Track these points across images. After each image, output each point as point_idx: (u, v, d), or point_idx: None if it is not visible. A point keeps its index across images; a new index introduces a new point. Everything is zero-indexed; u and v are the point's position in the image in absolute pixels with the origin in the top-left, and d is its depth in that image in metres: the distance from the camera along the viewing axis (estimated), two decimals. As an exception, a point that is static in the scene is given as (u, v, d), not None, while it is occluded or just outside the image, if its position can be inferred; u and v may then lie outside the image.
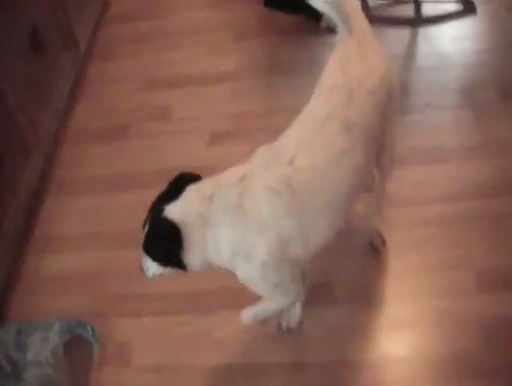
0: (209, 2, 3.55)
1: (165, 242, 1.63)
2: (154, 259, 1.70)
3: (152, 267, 1.73)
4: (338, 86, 1.66)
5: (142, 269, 1.77)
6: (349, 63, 1.70)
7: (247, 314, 1.99)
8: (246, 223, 1.58)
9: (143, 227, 1.70)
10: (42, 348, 2.06)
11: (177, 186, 1.67)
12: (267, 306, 1.94)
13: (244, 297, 1.94)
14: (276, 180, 1.58)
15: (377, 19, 3.13)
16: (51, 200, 2.75)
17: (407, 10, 3.19)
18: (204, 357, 2.14)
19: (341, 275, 2.25)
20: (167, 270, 1.73)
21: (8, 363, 2.14)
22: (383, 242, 2.23)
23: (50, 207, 2.73)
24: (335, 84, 1.67)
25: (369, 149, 1.69)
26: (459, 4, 3.15)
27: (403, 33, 3.12)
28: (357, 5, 1.85)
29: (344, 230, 1.88)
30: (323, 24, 3.20)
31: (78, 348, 2.15)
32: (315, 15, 3.19)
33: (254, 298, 1.92)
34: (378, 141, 1.77)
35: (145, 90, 3.13)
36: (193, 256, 1.64)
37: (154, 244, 1.66)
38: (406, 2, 3.19)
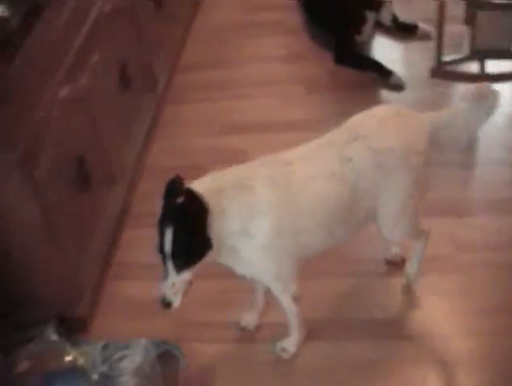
0: (281, 58, 3.71)
1: (202, 213, 1.68)
2: (188, 241, 1.69)
3: (179, 277, 1.74)
4: (349, 128, 1.92)
5: (164, 298, 1.77)
6: (372, 120, 1.92)
7: (288, 346, 2.18)
8: (252, 203, 1.78)
9: (161, 226, 1.71)
10: (133, 360, 2.07)
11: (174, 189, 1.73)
12: (292, 319, 2.11)
13: (322, 327, 2.14)
14: (276, 173, 1.82)
15: (446, 74, 3.24)
16: (130, 230, 2.81)
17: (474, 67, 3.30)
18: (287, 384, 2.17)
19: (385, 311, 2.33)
20: (192, 272, 1.75)
21: (96, 374, 2.15)
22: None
23: (128, 237, 2.78)
24: (347, 127, 1.93)
25: (358, 198, 1.89)
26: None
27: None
28: None
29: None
30: (392, 81, 3.32)
31: (165, 365, 2.15)
32: (385, 72, 3.33)
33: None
34: (368, 205, 1.93)
35: (218, 134, 3.24)
36: (213, 231, 1.71)
37: (189, 220, 1.68)
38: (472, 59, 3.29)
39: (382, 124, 1.91)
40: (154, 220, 2.78)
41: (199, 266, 1.76)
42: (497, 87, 3.11)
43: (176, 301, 1.77)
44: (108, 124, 2.67)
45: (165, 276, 1.73)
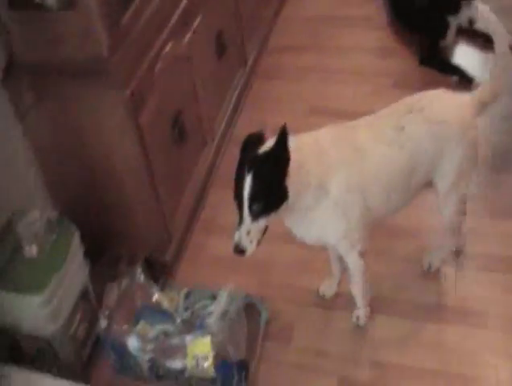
0: (372, 51, 3.76)
1: (283, 162, 1.73)
2: (266, 188, 1.72)
3: (254, 225, 1.76)
4: (406, 103, 2.04)
5: (238, 245, 1.77)
6: (427, 98, 2.04)
7: (359, 315, 2.29)
8: (325, 161, 1.88)
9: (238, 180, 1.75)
10: (219, 305, 2.16)
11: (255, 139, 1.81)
12: (357, 282, 2.20)
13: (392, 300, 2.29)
14: (343, 135, 1.96)
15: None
16: (216, 191, 2.93)
17: None
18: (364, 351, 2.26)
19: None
20: (268, 220, 1.78)
21: (179, 318, 2.26)
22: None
23: (214, 197, 2.92)
24: (405, 102, 2.05)
25: (415, 165, 2.00)
26: None
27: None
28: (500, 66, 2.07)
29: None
30: (475, 86, 3.32)
31: (248, 316, 2.25)
32: (467, 77, 3.35)
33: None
34: (425, 172, 2.04)
35: (307, 115, 3.30)
36: (291, 181, 1.76)
37: (270, 166, 1.73)
38: None
39: (437, 99, 2.04)
40: None
41: (273, 217, 1.79)
42: None
43: (250, 249, 1.77)
44: (204, 87, 2.78)
45: (240, 223, 1.75)
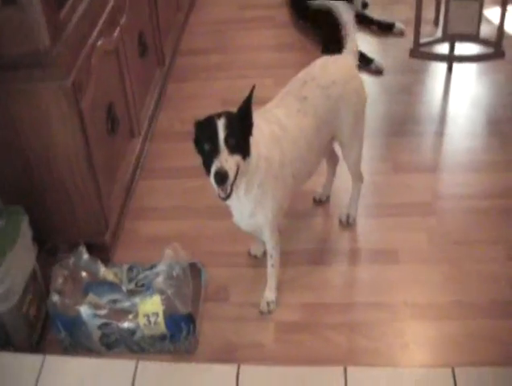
0: (273, 47, 4.09)
1: (249, 122, 2.03)
2: (237, 129, 1.96)
3: (230, 160, 1.94)
4: (297, 79, 2.39)
5: (221, 167, 1.92)
6: (315, 67, 2.41)
7: (267, 297, 2.46)
8: (267, 140, 2.17)
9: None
10: (164, 267, 2.32)
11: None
12: (272, 265, 2.43)
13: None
14: (266, 117, 2.26)
15: (421, 54, 3.64)
16: (143, 181, 3.11)
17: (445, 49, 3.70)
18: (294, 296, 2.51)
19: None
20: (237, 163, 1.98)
21: (124, 288, 2.40)
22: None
23: (142, 186, 3.09)
24: (296, 78, 2.40)
25: (321, 125, 2.34)
26: (489, 47, 3.62)
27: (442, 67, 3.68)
28: (352, 28, 2.54)
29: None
30: (373, 66, 3.69)
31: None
32: (366, 59, 3.69)
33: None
34: (329, 128, 2.40)
35: (220, 107, 3.48)
36: (252, 144, 2.04)
37: (240, 118, 2.00)
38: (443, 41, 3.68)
39: (322, 66, 2.41)
40: (163, 174, 3.13)
41: (241, 167, 2.00)
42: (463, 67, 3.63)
43: (231, 173, 1.93)
44: (130, 83, 2.95)
45: (216, 155, 1.93)
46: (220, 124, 1.95)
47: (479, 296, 2.42)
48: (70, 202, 2.50)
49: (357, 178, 2.70)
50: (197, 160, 2.07)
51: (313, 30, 4.08)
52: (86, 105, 2.35)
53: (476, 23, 3.35)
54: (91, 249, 2.53)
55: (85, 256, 2.43)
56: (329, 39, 3.87)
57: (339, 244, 2.73)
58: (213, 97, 3.63)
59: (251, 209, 2.22)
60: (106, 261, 2.60)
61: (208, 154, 1.97)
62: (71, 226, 2.58)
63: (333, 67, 2.42)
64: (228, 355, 2.31)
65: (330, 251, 2.69)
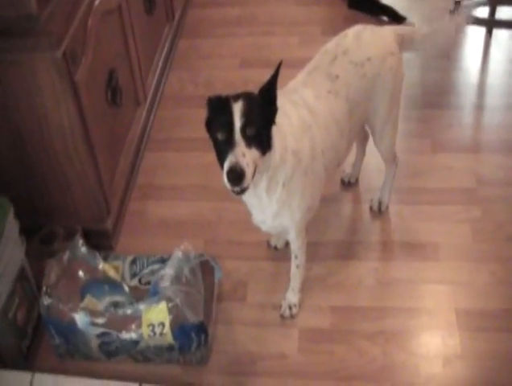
0: (298, 1, 3.59)
1: (274, 107, 1.61)
2: (258, 115, 1.55)
3: (248, 155, 1.52)
4: (327, 51, 1.96)
5: (236, 164, 1.51)
6: (347, 38, 1.97)
7: (290, 300, 2.09)
8: (295, 128, 1.76)
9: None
10: (171, 269, 1.94)
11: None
12: (298, 266, 2.05)
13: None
14: (293, 99, 1.84)
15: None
16: (151, 154, 2.69)
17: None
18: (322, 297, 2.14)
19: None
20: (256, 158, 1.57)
21: (126, 287, 2.05)
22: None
23: (149, 160, 2.68)
24: (325, 50, 1.97)
25: (354, 107, 1.93)
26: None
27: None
28: None
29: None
30: (406, 25, 3.22)
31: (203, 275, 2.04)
32: (397, 17, 3.23)
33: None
34: (362, 112, 2.00)
35: (239, 67, 3.12)
36: (275, 134, 1.64)
37: (261, 102, 1.59)
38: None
39: (356, 38, 1.97)
40: (172, 145, 2.72)
41: (260, 162, 1.59)
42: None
43: (249, 172, 1.51)
44: (135, 45, 2.52)
45: (231, 148, 1.52)
46: (237, 109, 1.52)
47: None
48: (67, 184, 2.14)
49: (391, 160, 2.29)
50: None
51: None
52: (81, 77, 1.95)
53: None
54: (91, 236, 2.20)
55: (83, 248, 2.07)
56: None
57: (370, 235, 2.34)
58: (231, 57, 3.20)
59: (275, 210, 1.81)
60: (108, 250, 2.27)
61: (222, 145, 1.55)
62: (68, 211, 2.21)
63: (369, 40, 1.98)
64: (245, 367, 1.97)
65: (361, 243, 2.31)
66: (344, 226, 2.38)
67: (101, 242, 2.25)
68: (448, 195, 2.43)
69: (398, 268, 2.22)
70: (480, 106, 2.86)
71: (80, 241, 2.06)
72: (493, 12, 3.19)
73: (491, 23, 3.20)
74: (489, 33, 3.19)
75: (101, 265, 2.07)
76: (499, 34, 3.23)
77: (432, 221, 2.35)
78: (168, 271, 1.91)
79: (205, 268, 2.06)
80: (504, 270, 2.15)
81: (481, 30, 3.25)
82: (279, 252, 2.27)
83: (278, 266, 2.23)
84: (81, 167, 2.08)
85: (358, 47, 1.95)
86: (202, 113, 1.63)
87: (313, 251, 2.19)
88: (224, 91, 1.66)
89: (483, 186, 2.46)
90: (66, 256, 2.02)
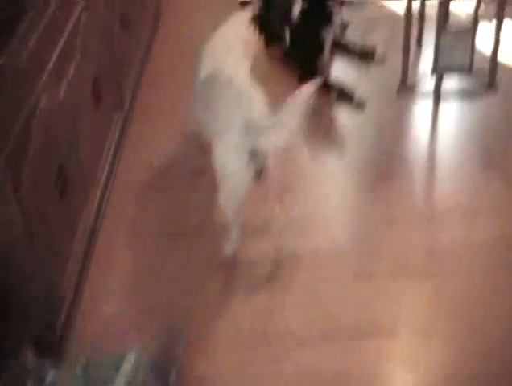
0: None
1: None
2: None
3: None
4: None
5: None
6: None
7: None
8: None
9: None
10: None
11: None
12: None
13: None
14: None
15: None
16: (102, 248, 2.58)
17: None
18: None
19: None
20: None
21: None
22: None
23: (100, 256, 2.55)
24: None
25: None
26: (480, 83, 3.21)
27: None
28: None
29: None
30: (355, 101, 3.24)
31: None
32: (347, 93, 3.23)
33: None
34: None
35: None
36: None
37: None
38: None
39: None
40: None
41: None
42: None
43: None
44: (83, 137, 2.44)
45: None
46: None
47: None
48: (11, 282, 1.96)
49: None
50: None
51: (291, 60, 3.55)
52: (25, 178, 1.84)
53: (469, 56, 2.91)
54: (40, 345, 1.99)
55: (31, 361, 1.89)
56: (308, 65, 3.38)
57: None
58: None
59: None
60: (59, 355, 2.09)
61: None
62: (13, 322, 2.03)
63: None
64: None
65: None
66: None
67: (52, 347, 2.10)
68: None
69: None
70: (430, 176, 2.88)
71: (27, 353, 1.91)
72: (439, 83, 3.20)
73: (439, 95, 3.21)
74: (436, 102, 3.20)
75: (51, 376, 1.91)
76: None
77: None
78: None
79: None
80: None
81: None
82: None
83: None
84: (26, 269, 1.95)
85: None
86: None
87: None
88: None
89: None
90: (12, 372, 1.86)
